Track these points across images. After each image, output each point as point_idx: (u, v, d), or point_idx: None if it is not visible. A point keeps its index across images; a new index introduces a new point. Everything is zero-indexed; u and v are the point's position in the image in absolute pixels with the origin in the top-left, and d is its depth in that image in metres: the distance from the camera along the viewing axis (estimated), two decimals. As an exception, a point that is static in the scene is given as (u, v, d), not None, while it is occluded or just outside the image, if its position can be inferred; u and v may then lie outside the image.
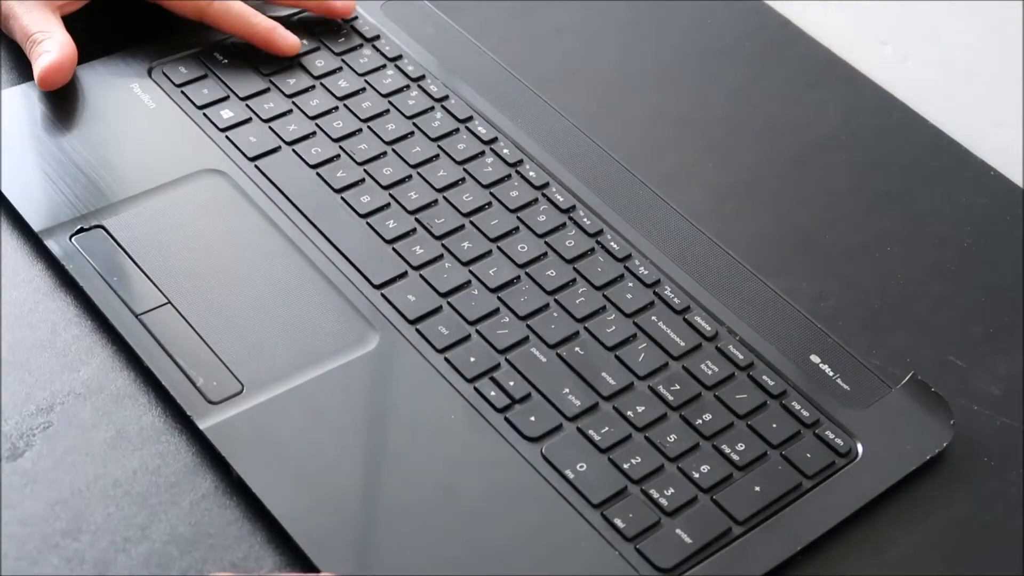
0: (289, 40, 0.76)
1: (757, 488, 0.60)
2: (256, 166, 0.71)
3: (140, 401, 0.61)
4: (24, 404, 0.60)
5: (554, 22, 0.84)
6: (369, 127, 0.74)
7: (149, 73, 0.75)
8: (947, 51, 0.87)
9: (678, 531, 0.59)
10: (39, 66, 0.71)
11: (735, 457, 0.61)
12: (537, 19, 0.84)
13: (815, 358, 0.66)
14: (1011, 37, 0.85)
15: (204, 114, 0.73)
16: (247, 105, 0.74)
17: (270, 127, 0.73)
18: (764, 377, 0.65)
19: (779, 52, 0.85)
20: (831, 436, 0.63)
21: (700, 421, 0.62)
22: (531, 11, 0.85)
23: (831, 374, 0.66)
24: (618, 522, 0.59)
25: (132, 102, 0.73)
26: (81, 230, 0.66)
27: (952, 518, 0.62)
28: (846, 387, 0.65)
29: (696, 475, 0.61)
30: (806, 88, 0.82)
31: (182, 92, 0.74)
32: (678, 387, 0.64)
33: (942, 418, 0.64)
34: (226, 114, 0.73)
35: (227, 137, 0.72)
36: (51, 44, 0.72)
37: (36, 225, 0.66)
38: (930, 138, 0.80)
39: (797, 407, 0.64)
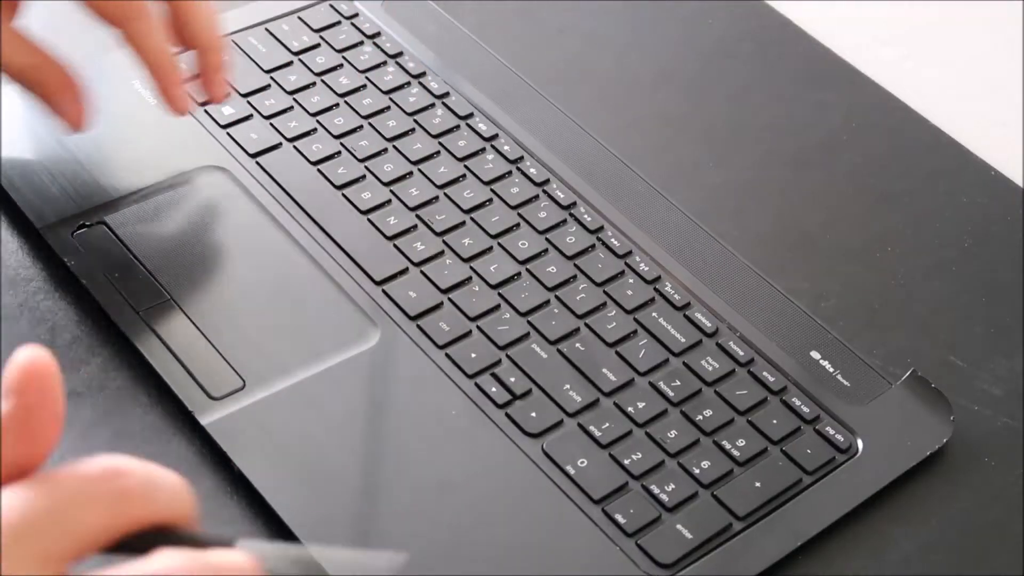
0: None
1: (757, 484, 0.60)
2: (257, 162, 0.71)
3: (141, 400, 0.61)
4: (25, 402, 0.60)
5: (555, 21, 0.84)
6: (370, 124, 0.74)
7: (151, 70, 0.75)
8: (947, 51, 0.87)
9: (679, 527, 0.59)
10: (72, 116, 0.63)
11: (735, 453, 0.61)
12: (538, 17, 0.84)
13: (815, 354, 0.66)
14: (1011, 37, 0.85)
15: (205, 111, 0.73)
16: (248, 102, 0.74)
17: (271, 124, 0.73)
18: (764, 373, 0.65)
19: (780, 52, 0.85)
20: (831, 432, 0.63)
21: (700, 417, 0.62)
22: (532, 9, 0.85)
23: (831, 370, 0.65)
24: (619, 517, 0.59)
25: (133, 98, 0.73)
26: (83, 226, 0.66)
27: (952, 518, 0.62)
28: (846, 383, 0.65)
29: (696, 471, 0.60)
30: (807, 88, 0.82)
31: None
32: (678, 383, 0.64)
33: (942, 414, 0.64)
34: (227, 111, 0.73)
35: (228, 134, 0.72)
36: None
37: (37, 221, 0.66)
38: (930, 138, 0.80)
39: (797, 403, 0.64)
